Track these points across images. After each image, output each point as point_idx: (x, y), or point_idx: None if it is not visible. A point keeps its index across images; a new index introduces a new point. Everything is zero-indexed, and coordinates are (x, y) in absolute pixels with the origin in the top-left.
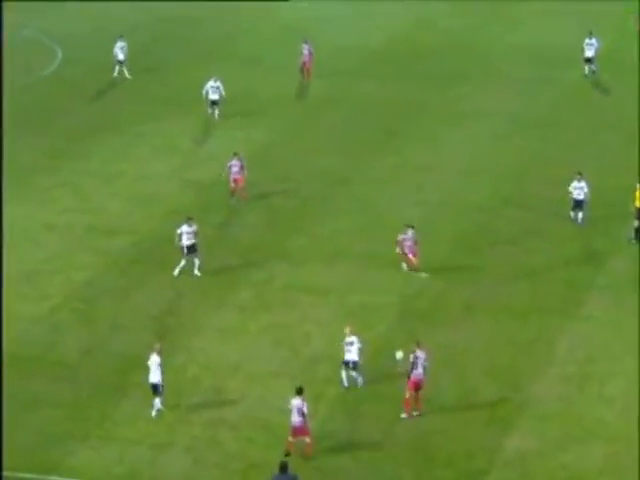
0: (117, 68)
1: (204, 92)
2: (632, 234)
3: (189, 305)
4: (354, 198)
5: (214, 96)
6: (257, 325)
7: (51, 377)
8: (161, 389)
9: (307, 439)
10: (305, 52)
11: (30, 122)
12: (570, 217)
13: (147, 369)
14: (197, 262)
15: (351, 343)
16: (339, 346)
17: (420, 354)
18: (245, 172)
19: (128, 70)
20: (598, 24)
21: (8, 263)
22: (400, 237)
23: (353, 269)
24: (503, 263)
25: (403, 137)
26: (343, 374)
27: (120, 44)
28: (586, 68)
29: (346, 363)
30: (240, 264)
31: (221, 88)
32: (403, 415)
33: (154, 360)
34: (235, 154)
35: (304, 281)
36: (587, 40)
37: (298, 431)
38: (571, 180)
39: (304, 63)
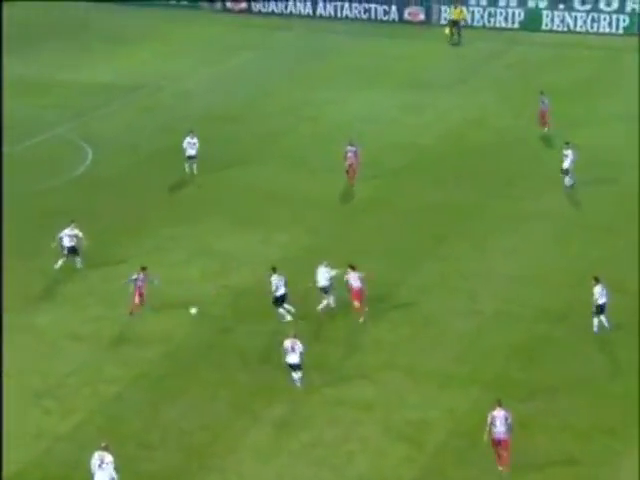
0: (187, 165)
1: (273, 286)
2: None
3: (223, 421)
4: (399, 306)
5: (280, 291)
6: (296, 443)
7: None
8: None
9: None
10: (350, 154)
11: (58, 226)
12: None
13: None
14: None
15: (293, 348)
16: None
17: (497, 414)
18: None
19: (197, 167)
20: None
21: (33, 376)
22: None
23: (398, 382)
24: (561, 377)
25: (452, 241)
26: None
27: (190, 140)
28: (566, 180)
29: (291, 366)
30: (277, 376)
31: (284, 281)
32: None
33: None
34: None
35: (346, 395)
36: (564, 151)
37: None
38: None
39: (350, 165)
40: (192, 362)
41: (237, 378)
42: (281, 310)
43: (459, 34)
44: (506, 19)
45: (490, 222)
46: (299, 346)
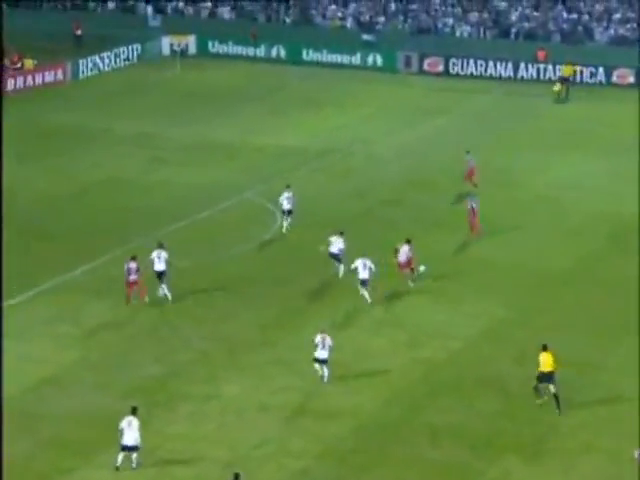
0: (283, 217)
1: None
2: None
3: None
4: (602, 386)
5: (159, 266)
6: None
7: None
8: None
9: None
10: (468, 207)
11: (246, 292)
12: None
13: None
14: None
15: (323, 343)
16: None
17: None
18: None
19: (291, 222)
20: None
21: (220, 447)
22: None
23: (601, 467)
24: None
25: None
26: (322, 369)
27: (286, 194)
28: None
29: (319, 360)
30: (470, 458)
31: (163, 257)
32: None
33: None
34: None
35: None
36: None
37: None
38: None
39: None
40: (380, 438)
41: (427, 457)
42: (161, 287)
43: (567, 91)
44: None
45: None
46: (329, 341)
